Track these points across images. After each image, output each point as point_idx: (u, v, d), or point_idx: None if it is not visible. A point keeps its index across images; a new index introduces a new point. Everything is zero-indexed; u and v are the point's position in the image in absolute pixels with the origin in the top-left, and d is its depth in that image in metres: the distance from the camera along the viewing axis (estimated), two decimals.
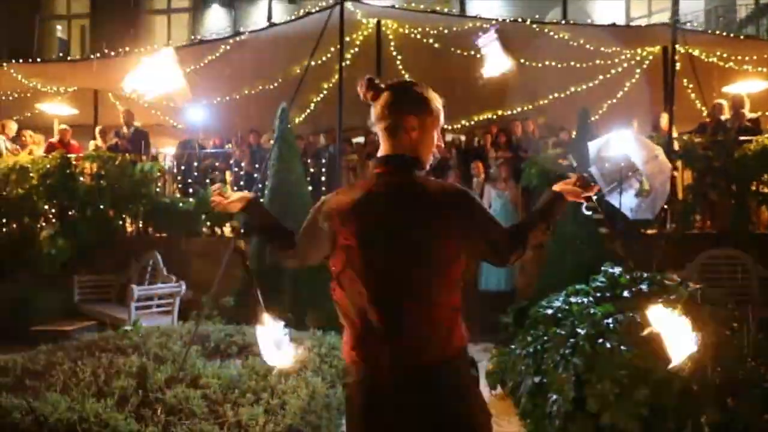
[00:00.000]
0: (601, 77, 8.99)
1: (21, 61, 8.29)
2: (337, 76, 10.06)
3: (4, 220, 7.83)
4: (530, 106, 9.64)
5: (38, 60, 8.36)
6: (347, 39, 9.05)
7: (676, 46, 8.38)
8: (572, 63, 8.37)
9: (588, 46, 7.81)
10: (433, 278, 1.60)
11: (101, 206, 7.42)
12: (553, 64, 8.44)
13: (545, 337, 3.78)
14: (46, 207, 7.63)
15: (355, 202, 1.66)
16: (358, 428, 1.63)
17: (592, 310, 3.74)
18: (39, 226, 7.56)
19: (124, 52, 8.01)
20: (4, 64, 8.09)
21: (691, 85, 8.79)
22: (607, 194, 5.31)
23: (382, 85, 1.76)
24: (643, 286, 3.83)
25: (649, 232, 6.86)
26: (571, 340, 3.56)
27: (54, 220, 7.56)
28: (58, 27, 14.76)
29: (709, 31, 9.01)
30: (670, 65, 7.23)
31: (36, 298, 6.73)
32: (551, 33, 7.57)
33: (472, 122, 10.51)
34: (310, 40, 7.56)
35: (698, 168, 6.63)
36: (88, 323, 5.80)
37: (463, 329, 1.68)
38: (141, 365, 3.59)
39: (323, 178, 7.78)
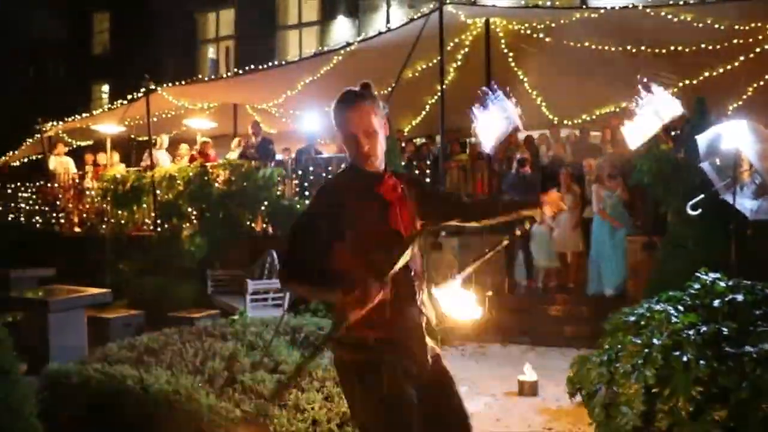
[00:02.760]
0: (742, 58, 7.98)
1: (170, 84, 9.62)
2: (450, 77, 10.25)
3: (158, 221, 9.18)
4: None
5: (182, 83, 9.58)
6: (456, 40, 9.13)
7: None
8: (702, 46, 7.55)
9: (717, 26, 7.00)
10: None
11: (231, 208, 8.36)
12: (680, 48, 7.69)
13: (619, 345, 3.58)
14: (189, 209, 8.78)
15: None
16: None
17: (673, 319, 3.45)
18: (183, 226, 8.73)
19: (250, 69, 8.90)
20: (158, 88, 9.47)
21: None
22: (722, 193, 4.79)
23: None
24: (739, 296, 3.45)
25: None
26: (646, 350, 3.34)
27: (195, 221, 8.68)
28: (210, 49, 16.70)
29: None
30: None
31: (178, 288, 7.81)
32: (669, 16, 6.91)
33: (593, 116, 9.94)
34: (418, 43, 7.76)
35: None
36: (213, 312, 6.60)
37: None
38: (234, 350, 4.07)
39: (427, 180, 7.93)
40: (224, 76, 9.23)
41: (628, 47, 7.83)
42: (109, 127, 10.80)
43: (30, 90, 19.07)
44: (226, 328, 4.89)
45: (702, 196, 4.72)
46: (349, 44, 8.65)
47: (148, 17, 16.07)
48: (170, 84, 9.61)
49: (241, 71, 9.01)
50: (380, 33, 8.43)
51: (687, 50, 7.64)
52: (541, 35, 8.34)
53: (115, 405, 3.41)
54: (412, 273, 1.92)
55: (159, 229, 9.03)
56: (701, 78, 8.20)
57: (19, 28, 19.33)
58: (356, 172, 1.95)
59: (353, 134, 1.91)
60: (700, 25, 7.02)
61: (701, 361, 3.08)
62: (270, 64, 8.99)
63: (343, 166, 2.01)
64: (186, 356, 3.96)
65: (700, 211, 4.76)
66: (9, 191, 11.21)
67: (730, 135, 4.50)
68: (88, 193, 10.12)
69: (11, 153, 12.48)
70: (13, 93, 18.88)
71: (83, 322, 5.88)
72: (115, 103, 10.09)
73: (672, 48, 7.69)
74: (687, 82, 8.34)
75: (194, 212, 8.71)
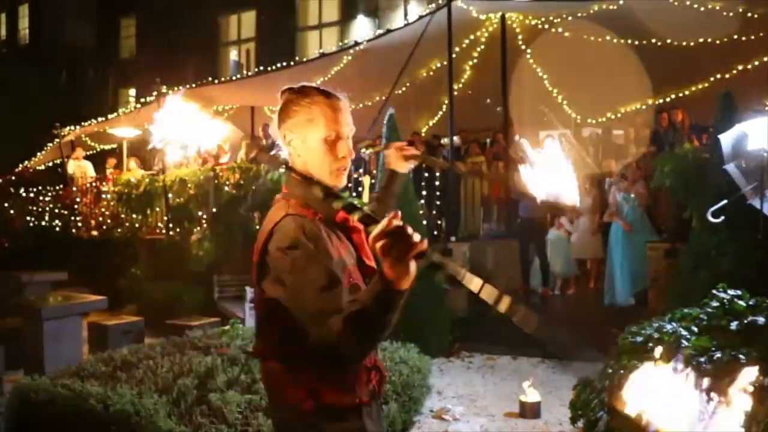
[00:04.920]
0: None
1: (179, 88, 9.52)
2: (466, 76, 9.91)
3: (170, 225, 9.12)
4: (686, 92, 8.33)
5: (193, 85, 9.49)
6: (471, 37, 8.78)
7: None
8: (735, 37, 7.01)
9: (749, 15, 6.46)
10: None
11: (240, 211, 8.22)
12: (709, 40, 7.16)
13: (622, 371, 3.22)
14: (199, 213, 8.69)
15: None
16: None
17: (684, 343, 3.08)
18: (194, 230, 8.64)
19: (259, 70, 8.74)
20: (169, 91, 9.37)
21: None
22: (749, 197, 4.34)
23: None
24: (760, 319, 3.05)
25: None
26: None
27: (205, 225, 8.58)
28: (233, 52, 16.71)
29: None
30: None
31: (187, 293, 7.71)
32: (695, 6, 6.42)
33: (618, 114, 9.44)
34: (431, 42, 7.44)
35: None
36: (213, 320, 6.42)
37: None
38: (212, 365, 3.87)
39: (437, 183, 7.62)
40: (233, 78, 9.09)
41: (653, 40, 7.35)
42: (125, 130, 10.84)
43: (62, 95, 19.51)
44: (213, 339, 4.71)
45: (725, 201, 4.29)
46: (357, 43, 8.40)
47: (173, 21, 16.20)
48: (179, 87, 9.52)
49: (250, 73, 8.86)
50: (388, 31, 8.16)
51: (717, 42, 7.10)
52: (560, 30, 7.93)
53: (78, 424, 3.25)
54: None
55: (171, 233, 8.98)
56: (734, 72, 7.65)
57: (50, 34, 19.83)
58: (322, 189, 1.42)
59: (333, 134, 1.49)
60: (731, 14, 6.51)
61: None
62: (279, 65, 8.81)
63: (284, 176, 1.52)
64: (159, 372, 3.78)
65: (722, 218, 4.33)
66: (31, 195, 11.39)
67: (757, 134, 4.06)
68: (104, 196, 10.18)
69: (34, 158, 12.69)
70: (46, 98, 19.35)
71: (79, 329, 5.80)
72: (128, 106, 10.08)
73: (701, 40, 7.17)
74: (718, 76, 7.81)
75: (204, 216, 8.61)
